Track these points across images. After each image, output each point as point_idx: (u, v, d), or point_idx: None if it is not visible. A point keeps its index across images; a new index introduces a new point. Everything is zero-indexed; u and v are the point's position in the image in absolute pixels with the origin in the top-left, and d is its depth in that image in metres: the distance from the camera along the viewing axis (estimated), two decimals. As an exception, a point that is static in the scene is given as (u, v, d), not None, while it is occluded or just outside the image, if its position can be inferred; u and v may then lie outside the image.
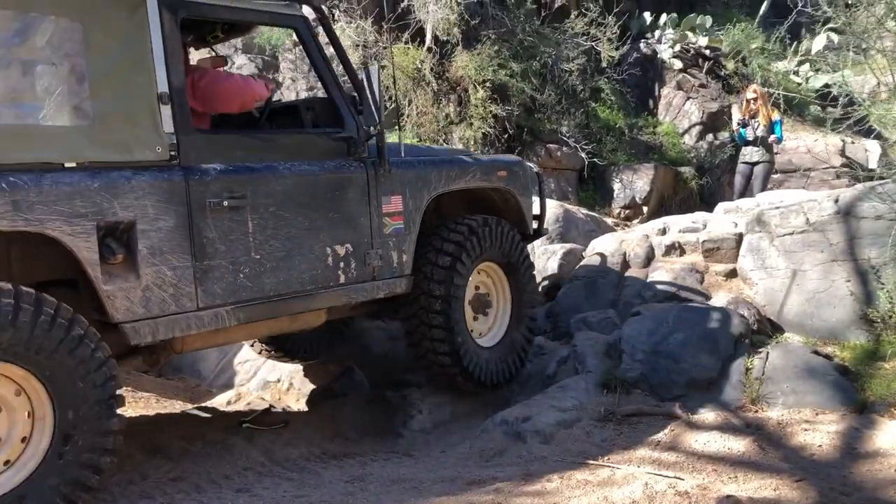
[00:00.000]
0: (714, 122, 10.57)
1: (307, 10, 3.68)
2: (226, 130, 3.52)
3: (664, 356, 4.40)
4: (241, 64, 9.06)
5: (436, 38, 8.58)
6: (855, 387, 4.18)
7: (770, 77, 10.93)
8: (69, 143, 2.81)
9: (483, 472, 3.45)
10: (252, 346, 5.16)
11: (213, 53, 4.09)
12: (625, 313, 5.26)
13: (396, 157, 3.89)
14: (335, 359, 5.37)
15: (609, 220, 8.78)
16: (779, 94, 9.19)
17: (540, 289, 5.73)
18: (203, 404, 5.09)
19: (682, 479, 3.21)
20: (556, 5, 9.55)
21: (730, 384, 4.30)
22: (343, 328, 5.26)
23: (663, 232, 6.01)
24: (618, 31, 9.44)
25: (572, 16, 9.51)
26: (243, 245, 3.24)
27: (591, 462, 3.47)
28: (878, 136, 10.66)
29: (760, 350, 4.54)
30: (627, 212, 9.27)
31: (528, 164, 5.05)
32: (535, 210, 4.89)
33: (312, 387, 5.31)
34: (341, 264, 3.63)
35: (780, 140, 7.83)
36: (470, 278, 4.32)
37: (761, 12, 12.03)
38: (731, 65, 11.04)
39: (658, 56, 10.84)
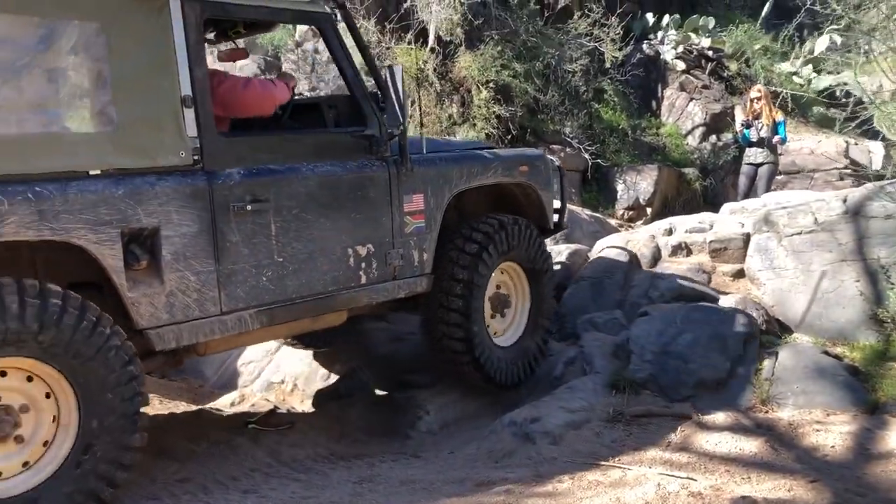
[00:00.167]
0: (717, 123, 10.55)
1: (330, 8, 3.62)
2: (248, 132, 3.46)
3: (673, 356, 4.37)
4: (243, 64, 9.03)
5: (439, 39, 8.56)
6: (866, 387, 4.15)
7: (773, 78, 10.92)
8: (93, 150, 2.78)
9: (493, 473, 3.41)
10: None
11: (234, 45, 4.03)
12: (631, 314, 5.22)
13: (418, 154, 3.84)
14: (343, 357, 5.34)
15: (613, 221, 8.76)
16: (787, 93, 9.16)
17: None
18: (207, 405, 5.05)
19: (695, 480, 3.17)
20: (560, 6, 9.54)
21: (739, 385, 4.27)
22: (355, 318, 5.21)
23: (669, 232, 5.98)
24: (621, 32, 9.43)
25: (575, 16, 9.49)
26: (266, 248, 3.21)
27: (602, 463, 3.44)
28: (882, 138, 10.68)
29: (770, 350, 4.51)
30: (631, 213, 9.25)
31: (550, 157, 5.01)
32: (555, 204, 4.84)
33: (317, 388, 5.27)
34: (363, 265, 3.60)
35: (784, 141, 7.81)
36: (493, 274, 4.29)
37: (763, 13, 12.02)
38: (733, 66, 11.04)
39: (661, 57, 10.83)
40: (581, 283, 5.69)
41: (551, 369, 4.70)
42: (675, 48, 10.78)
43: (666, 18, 11.04)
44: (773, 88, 10.00)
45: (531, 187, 4.53)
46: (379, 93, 3.69)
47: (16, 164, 2.58)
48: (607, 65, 9.46)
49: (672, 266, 5.59)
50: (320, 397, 5.07)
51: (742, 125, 7.94)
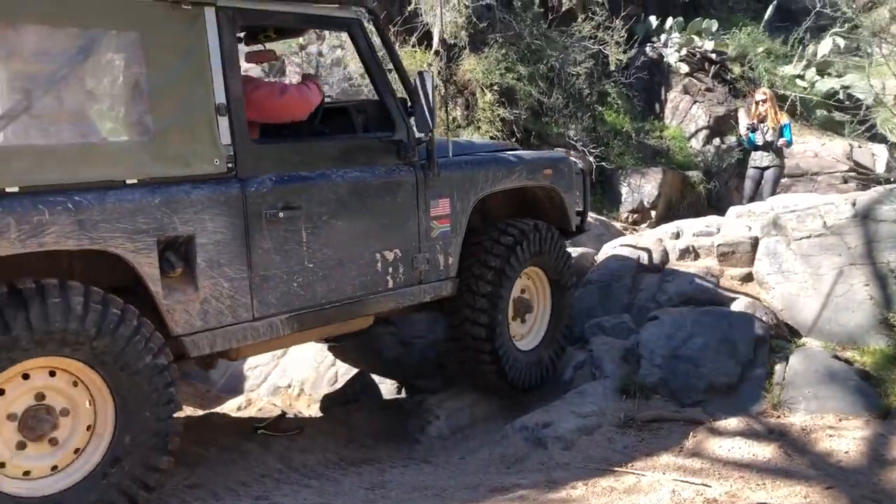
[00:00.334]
0: (721, 126, 10.54)
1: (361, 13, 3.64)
2: (279, 139, 3.47)
3: (683, 361, 4.35)
4: (247, 68, 9.02)
5: (443, 42, 8.54)
6: (877, 392, 4.14)
7: (776, 81, 10.91)
8: (130, 160, 2.79)
9: (505, 479, 3.39)
10: None
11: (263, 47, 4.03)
12: (639, 318, 5.19)
13: (443, 157, 3.84)
14: (349, 361, 5.32)
15: (617, 225, 8.74)
16: (795, 96, 9.14)
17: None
18: (213, 410, 5.03)
19: (710, 487, 3.15)
20: (563, 9, 9.52)
21: (750, 389, 4.25)
22: None
23: (677, 236, 5.96)
24: (625, 35, 9.42)
25: (579, 19, 9.48)
26: (297, 254, 3.23)
27: (616, 469, 3.42)
28: (884, 140, 10.69)
29: (780, 355, 4.49)
30: (635, 216, 9.22)
31: (573, 159, 5.00)
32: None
33: (324, 392, 5.25)
34: (390, 269, 3.61)
35: (789, 143, 7.79)
36: (518, 278, 4.32)
37: (766, 16, 12.01)
38: (737, 69, 11.02)
39: (664, 60, 10.82)
40: (588, 286, 5.66)
41: (560, 373, 4.68)
42: (678, 51, 10.77)
43: (669, 21, 11.03)
44: (781, 92, 9.99)
45: (554, 190, 4.53)
46: (407, 98, 3.70)
47: (56, 174, 2.60)
48: (612, 67, 9.46)
49: (680, 269, 5.55)
50: (327, 401, 5.06)
51: (747, 129, 7.91)
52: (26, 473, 2.65)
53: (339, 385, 5.32)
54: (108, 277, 2.83)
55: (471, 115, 8.59)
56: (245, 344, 3.16)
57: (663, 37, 11.01)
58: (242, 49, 4.14)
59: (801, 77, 11.31)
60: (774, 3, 12.54)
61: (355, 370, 5.31)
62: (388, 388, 5.27)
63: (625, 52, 9.44)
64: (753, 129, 7.79)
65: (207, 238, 2.93)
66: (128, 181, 2.75)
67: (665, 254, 5.78)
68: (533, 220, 4.37)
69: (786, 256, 5.17)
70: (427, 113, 3.53)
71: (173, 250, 2.85)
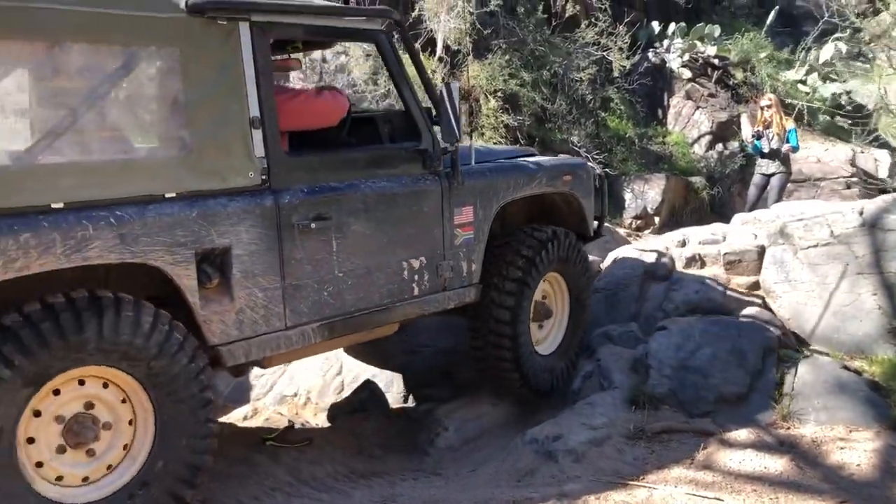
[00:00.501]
0: (723, 131, 10.56)
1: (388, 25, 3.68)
2: (310, 151, 3.50)
3: (692, 371, 4.33)
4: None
5: (447, 48, 8.55)
6: (887, 403, 4.12)
7: (779, 86, 10.93)
8: (169, 174, 2.83)
9: (517, 492, 3.38)
10: None
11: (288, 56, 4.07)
12: (646, 326, 5.19)
13: (466, 165, 3.87)
14: (356, 369, 5.32)
15: (621, 231, 8.75)
16: (803, 105, 9.13)
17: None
18: (220, 419, 5.01)
19: (723, 501, 3.15)
20: (567, 15, 9.53)
21: (759, 400, 4.23)
22: None
23: (683, 244, 5.95)
24: (628, 42, 9.43)
25: (582, 25, 9.49)
26: (327, 264, 3.28)
27: (628, 482, 3.41)
28: (887, 146, 10.70)
29: (788, 364, 4.47)
30: (639, 222, 9.24)
31: (591, 164, 5.02)
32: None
33: (330, 401, 5.24)
34: (415, 277, 3.67)
35: (795, 149, 7.77)
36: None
37: (769, 22, 12.03)
38: (739, 74, 11.04)
39: (667, 65, 10.84)
40: (595, 294, 5.65)
41: (569, 383, 4.66)
42: (680, 56, 10.80)
43: (672, 27, 11.05)
44: (789, 100, 10.00)
45: (573, 196, 4.57)
46: (432, 108, 3.74)
47: (98, 189, 2.65)
48: (615, 73, 9.47)
49: (686, 278, 5.55)
50: (334, 411, 5.05)
51: (753, 136, 7.90)
52: (59, 478, 2.67)
53: (345, 394, 5.31)
54: (144, 286, 2.87)
55: (475, 122, 8.59)
56: (278, 352, 3.22)
57: (666, 42, 11.04)
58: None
59: (804, 82, 11.33)
60: (776, 8, 12.58)
61: (361, 378, 5.32)
62: (394, 396, 5.27)
63: (628, 58, 9.46)
64: (759, 136, 7.78)
65: (243, 249, 2.98)
66: (167, 195, 2.80)
67: (671, 262, 5.77)
68: (553, 226, 4.43)
69: (793, 265, 5.17)
70: (454, 123, 3.55)
71: (210, 262, 2.91)
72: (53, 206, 2.54)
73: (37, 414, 2.61)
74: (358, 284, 3.40)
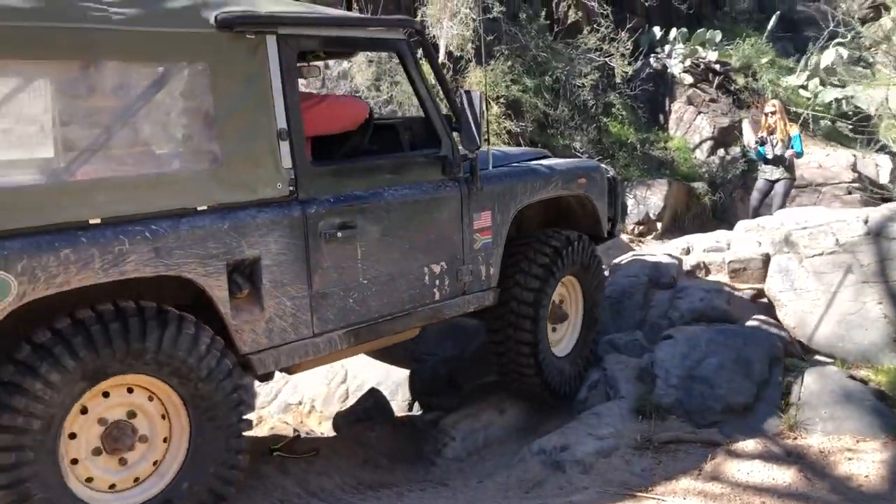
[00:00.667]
0: (725, 137, 10.57)
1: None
2: (335, 160, 3.54)
3: (699, 381, 4.33)
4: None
5: (449, 54, 8.55)
6: (894, 413, 4.11)
7: (780, 92, 10.94)
8: (200, 187, 2.87)
9: (525, 503, 3.38)
10: None
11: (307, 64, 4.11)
12: (651, 334, 5.19)
13: (484, 170, 3.90)
14: (360, 377, 5.31)
15: (624, 237, 8.74)
16: (808, 113, 9.12)
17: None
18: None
19: (732, 513, 3.14)
20: (569, 21, 9.54)
21: (766, 410, 4.23)
22: None
23: (687, 251, 5.96)
24: (630, 48, 9.44)
25: (584, 31, 9.50)
26: (352, 271, 3.32)
27: (636, 493, 3.40)
28: (888, 151, 10.71)
29: (794, 374, 4.47)
30: (641, 228, 9.23)
31: (604, 166, 5.06)
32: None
33: (335, 409, 5.23)
34: (436, 282, 3.71)
35: (799, 154, 7.77)
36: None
37: (770, 27, 12.05)
38: (741, 79, 11.06)
39: (668, 71, 10.85)
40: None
41: (575, 392, 4.66)
42: (682, 62, 10.81)
43: (673, 32, 11.06)
44: (793, 109, 10.00)
45: (588, 198, 4.61)
46: (452, 115, 3.78)
47: (134, 204, 2.69)
48: (618, 79, 9.48)
49: (691, 286, 5.55)
50: (339, 419, 5.04)
51: (757, 142, 7.90)
52: (89, 479, 2.70)
53: (350, 402, 5.31)
54: (173, 296, 2.91)
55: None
56: (306, 359, 3.26)
57: (667, 48, 11.05)
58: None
59: (805, 87, 11.34)
60: (777, 13, 12.60)
61: (366, 387, 5.31)
62: (398, 404, 5.26)
63: (629, 63, 9.47)
64: (763, 142, 7.78)
65: (272, 259, 3.02)
66: (198, 208, 2.84)
67: (677, 269, 5.77)
68: (568, 228, 4.49)
69: (798, 274, 5.17)
70: (474, 130, 3.58)
71: (240, 272, 2.95)
72: (91, 221, 2.59)
73: (84, 411, 2.67)
74: (381, 291, 3.45)
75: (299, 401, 5.41)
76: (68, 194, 2.58)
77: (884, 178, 10.49)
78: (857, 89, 11.15)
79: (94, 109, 2.77)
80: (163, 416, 2.84)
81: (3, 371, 2.47)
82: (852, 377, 4.40)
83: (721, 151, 10.46)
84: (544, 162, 4.53)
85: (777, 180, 7.78)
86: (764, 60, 11.29)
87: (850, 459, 3.70)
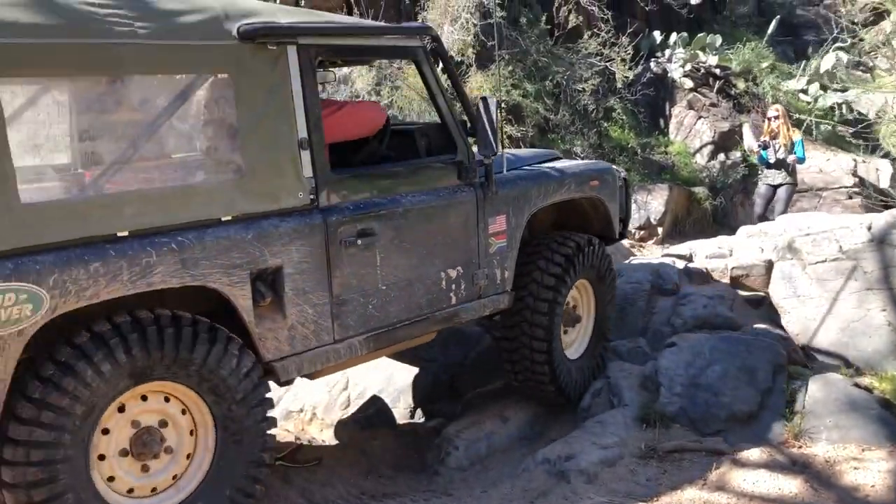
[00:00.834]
0: (725, 141, 10.54)
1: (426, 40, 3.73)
2: (354, 167, 3.56)
3: (703, 389, 4.32)
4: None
5: (450, 59, 8.53)
6: (899, 421, 4.10)
7: (780, 96, 10.93)
8: (224, 198, 2.89)
9: (531, 514, 3.36)
10: None
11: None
12: (654, 341, 5.18)
13: (498, 173, 3.92)
14: (361, 384, 5.29)
15: (625, 242, 8.72)
16: (811, 120, 9.09)
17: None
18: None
19: (739, 524, 3.12)
20: (570, 26, 9.53)
21: (770, 418, 4.22)
22: None
23: (690, 258, 5.94)
24: (630, 52, 9.43)
25: (585, 36, 9.49)
26: (372, 278, 3.35)
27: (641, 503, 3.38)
28: (889, 156, 10.70)
29: (799, 382, 4.46)
30: (642, 232, 9.20)
31: (615, 168, 5.07)
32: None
33: (337, 417, 5.21)
34: (453, 286, 3.73)
35: (801, 160, 7.75)
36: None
37: (769, 31, 12.04)
38: (741, 84, 11.04)
39: (669, 75, 10.83)
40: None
41: (578, 400, 4.64)
42: (682, 66, 10.79)
43: (673, 37, 11.04)
44: (796, 116, 9.99)
45: (600, 200, 4.63)
46: (467, 120, 3.82)
47: (160, 216, 2.71)
48: (619, 84, 9.46)
49: (694, 292, 5.53)
50: (341, 427, 5.02)
51: (759, 146, 7.88)
52: (111, 479, 2.72)
53: (351, 409, 5.28)
54: (196, 304, 2.92)
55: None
56: (328, 366, 3.30)
57: (667, 52, 11.03)
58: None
59: (805, 92, 11.33)
60: (777, 17, 12.60)
61: (368, 394, 5.29)
62: (400, 411, 5.24)
63: (630, 68, 9.45)
64: (765, 147, 7.77)
65: (294, 268, 3.05)
66: (223, 218, 2.86)
67: (679, 276, 5.76)
68: (580, 230, 4.54)
69: (801, 280, 5.16)
70: (491, 136, 3.61)
71: (263, 281, 2.98)
72: (119, 234, 2.61)
73: (121, 409, 2.71)
74: (400, 296, 3.48)
75: (300, 408, 5.38)
76: (97, 208, 2.61)
77: (884, 183, 10.48)
78: (857, 94, 11.13)
79: (120, 123, 2.81)
80: (191, 433, 2.87)
81: (61, 352, 2.53)
82: (857, 385, 4.39)
83: (721, 156, 10.44)
84: (557, 164, 4.55)
85: (779, 185, 7.76)
86: (764, 65, 11.27)
87: (856, 469, 3.68)
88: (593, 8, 9.49)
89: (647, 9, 10.44)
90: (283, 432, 5.04)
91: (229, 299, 2.86)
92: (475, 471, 4.11)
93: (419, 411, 5.21)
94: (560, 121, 9.10)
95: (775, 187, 7.80)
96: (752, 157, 8.98)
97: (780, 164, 7.71)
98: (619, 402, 4.41)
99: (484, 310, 3.94)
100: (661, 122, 10.77)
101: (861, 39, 11.60)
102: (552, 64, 9.15)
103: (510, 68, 8.68)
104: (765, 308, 5.42)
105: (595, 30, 9.51)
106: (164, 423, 2.82)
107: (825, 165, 10.37)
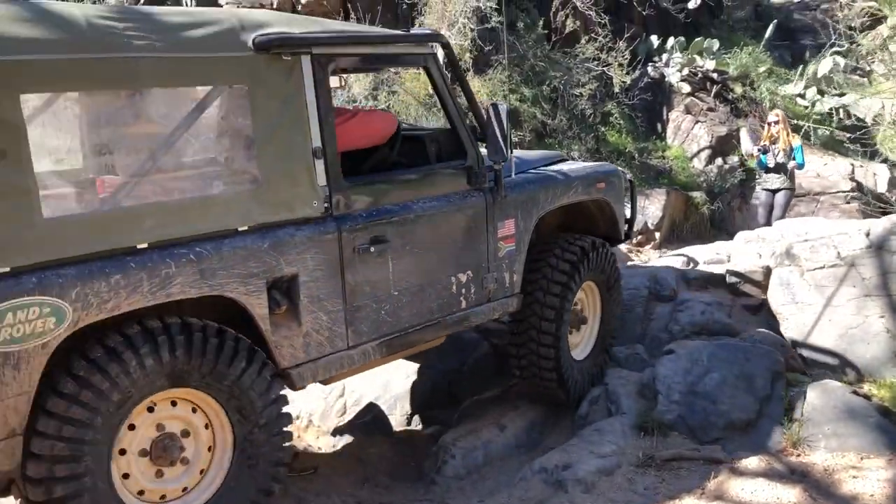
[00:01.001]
0: (723, 146, 10.53)
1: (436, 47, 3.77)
2: (366, 174, 3.57)
3: (701, 397, 4.30)
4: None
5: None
6: (898, 429, 4.08)
7: (778, 100, 10.93)
8: (241, 208, 2.91)
9: (528, 525, 3.33)
10: None
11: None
12: (652, 348, 5.16)
13: (507, 177, 3.93)
14: (358, 391, 5.26)
15: (623, 247, 8.70)
16: (810, 126, 9.05)
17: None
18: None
19: (737, 534, 3.10)
20: (567, 31, 9.52)
21: (769, 426, 4.20)
22: None
23: (688, 264, 5.92)
24: (628, 57, 9.43)
25: (582, 41, 9.48)
26: (385, 284, 3.38)
27: (640, 514, 3.36)
28: (886, 160, 10.70)
29: (797, 389, 4.44)
30: (640, 237, 9.18)
31: (621, 170, 5.09)
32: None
33: (333, 424, 5.19)
34: (463, 290, 3.77)
35: (801, 166, 7.73)
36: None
37: (767, 36, 12.04)
38: (738, 88, 11.03)
39: (666, 80, 10.82)
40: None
41: (575, 408, 4.62)
42: (679, 70, 10.78)
43: (671, 41, 11.04)
44: (794, 121, 9.98)
45: (606, 202, 4.67)
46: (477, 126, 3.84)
47: (179, 228, 2.74)
48: (616, 89, 9.45)
49: (692, 299, 5.51)
50: (337, 434, 4.99)
51: (759, 150, 7.86)
52: (125, 476, 2.74)
53: (348, 416, 5.26)
54: (213, 312, 2.93)
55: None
56: (342, 371, 3.33)
57: (665, 56, 11.02)
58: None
59: (803, 96, 11.33)
60: (774, 22, 12.60)
61: (364, 401, 5.27)
62: (397, 418, 5.21)
63: (627, 73, 9.45)
64: (765, 151, 7.75)
65: (309, 276, 3.08)
66: (239, 229, 2.89)
67: (676, 282, 5.74)
68: (586, 232, 4.59)
69: (799, 287, 5.14)
70: (501, 142, 3.63)
71: (279, 289, 3.01)
72: (139, 246, 2.64)
73: (150, 409, 2.75)
74: (412, 302, 3.51)
75: (297, 415, 5.35)
76: (117, 220, 2.63)
77: (882, 188, 10.47)
78: (855, 98, 11.13)
79: (139, 136, 2.86)
80: (209, 448, 2.90)
81: (111, 338, 2.59)
82: (856, 392, 4.37)
83: (719, 160, 10.42)
84: (564, 167, 4.57)
85: (777, 190, 7.74)
86: (761, 69, 11.27)
87: (854, 478, 3.66)
88: (590, 12, 9.48)
89: (644, 13, 10.43)
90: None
91: (246, 308, 2.89)
92: (472, 480, 4.08)
93: (416, 418, 5.18)
94: (557, 125, 9.09)
95: (774, 192, 7.78)
96: (750, 162, 8.96)
97: (779, 169, 7.69)
98: (617, 409, 4.39)
99: (493, 313, 3.98)
100: (659, 126, 10.75)
101: (858, 44, 11.61)
102: (549, 69, 9.15)
103: (507, 73, 8.66)
104: (763, 314, 5.40)
105: (592, 34, 9.51)
106: (185, 433, 2.85)
107: (823, 170, 10.36)
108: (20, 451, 2.46)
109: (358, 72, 4.31)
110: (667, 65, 10.93)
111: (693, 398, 4.30)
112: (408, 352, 3.78)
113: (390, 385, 5.34)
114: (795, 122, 10.23)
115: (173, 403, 2.80)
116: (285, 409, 3.02)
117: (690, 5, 11.14)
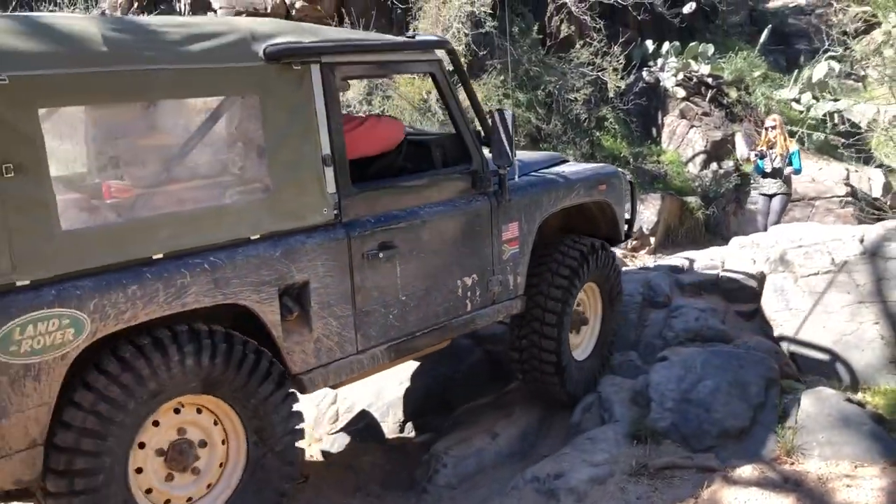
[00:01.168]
0: (718, 150, 10.54)
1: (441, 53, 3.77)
2: (374, 181, 3.58)
3: (694, 404, 4.26)
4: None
5: (442, 68, 8.50)
6: (892, 437, 4.06)
7: (772, 105, 10.94)
8: (253, 217, 2.94)
9: (519, 535, 3.30)
10: None
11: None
12: (646, 354, 5.14)
13: (511, 181, 3.94)
14: (350, 399, 5.23)
15: (617, 251, 8.69)
16: (803, 132, 9.04)
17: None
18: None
19: (730, 545, 3.07)
20: (562, 35, 9.52)
21: (762, 434, 4.16)
22: None
23: (682, 270, 5.91)
24: (623, 61, 9.42)
25: (577, 46, 9.48)
26: (392, 289, 3.41)
27: (632, 524, 3.33)
28: (880, 165, 10.71)
29: (791, 396, 4.42)
30: (634, 242, 9.17)
31: (622, 171, 5.10)
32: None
33: (325, 431, 5.15)
34: (468, 293, 3.80)
35: (798, 171, 7.73)
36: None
37: (761, 40, 12.07)
38: (733, 93, 11.05)
39: (661, 84, 10.83)
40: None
41: (568, 415, 4.60)
42: (675, 75, 10.79)
43: (666, 46, 11.05)
44: (789, 128, 9.99)
45: (607, 204, 4.69)
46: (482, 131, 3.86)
47: (193, 238, 2.76)
48: (611, 94, 9.45)
49: (686, 305, 5.50)
50: (330, 442, 4.96)
51: (756, 155, 7.86)
52: (139, 470, 2.75)
53: (340, 423, 5.23)
54: (223, 317, 2.94)
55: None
56: (351, 376, 3.35)
57: (660, 61, 11.03)
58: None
59: (797, 101, 11.34)
60: (769, 26, 12.62)
61: (356, 408, 5.24)
62: (389, 426, 5.18)
63: (622, 77, 9.45)
64: (762, 156, 7.75)
65: (319, 282, 3.11)
66: (252, 237, 2.92)
67: (670, 288, 5.72)
68: (586, 233, 4.62)
69: (793, 293, 5.13)
70: (506, 147, 3.66)
71: (290, 296, 3.04)
72: (154, 256, 2.66)
73: (177, 410, 2.79)
74: (419, 306, 3.54)
75: (289, 422, 5.32)
76: (133, 231, 2.65)
77: (876, 192, 10.48)
78: (849, 104, 11.15)
79: (153, 147, 2.89)
80: (220, 465, 2.92)
81: (160, 332, 2.65)
82: (849, 400, 4.34)
83: (714, 165, 10.43)
84: (565, 169, 4.58)
85: (774, 195, 7.73)
86: (756, 74, 11.29)
87: (848, 486, 3.63)
88: (585, 17, 9.48)
89: (639, 18, 10.44)
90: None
91: (258, 315, 2.91)
92: (464, 489, 4.05)
93: (409, 425, 5.16)
94: (552, 130, 9.09)
95: (770, 197, 7.77)
96: (746, 167, 8.95)
97: (776, 174, 7.69)
98: (610, 417, 4.36)
99: (498, 315, 4.01)
100: (654, 131, 10.76)
101: (852, 49, 11.63)
102: (544, 73, 9.15)
103: (502, 77, 8.65)
104: (757, 320, 5.38)
105: (587, 39, 9.51)
106: (203, 444, 2.87)
107: (818, 175, 10.37)
108: (41, 462, 2.48)
109: (365, 78, 4.32)
110: (662, 69, 10.94)
111: (687, 406, 4.27)
112: (414, 355, 3.82)
113: (383, 392, 5.31)
114: (790, 126, 10.23)
115: (199, 410, 2.84)
116: (299, 444, 3.05)
117: (685, 10, 11.14)
